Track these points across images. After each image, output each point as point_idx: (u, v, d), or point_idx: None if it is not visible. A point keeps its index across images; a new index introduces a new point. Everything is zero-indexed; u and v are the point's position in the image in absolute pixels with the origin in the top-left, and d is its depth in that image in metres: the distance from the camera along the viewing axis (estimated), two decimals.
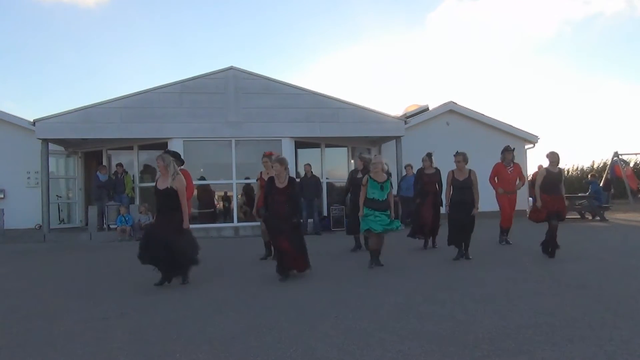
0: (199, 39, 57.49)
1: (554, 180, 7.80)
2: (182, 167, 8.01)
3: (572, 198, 15.96)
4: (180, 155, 8.27)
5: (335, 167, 15.52)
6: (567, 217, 15.11)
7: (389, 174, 7.29)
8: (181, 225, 6.11)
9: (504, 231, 9.56)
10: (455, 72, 59.56)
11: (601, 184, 17.55)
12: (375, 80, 66.36)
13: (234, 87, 13.15)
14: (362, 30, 55.70)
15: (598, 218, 14.93)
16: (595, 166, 23.97)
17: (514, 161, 9.59)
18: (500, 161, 9.61)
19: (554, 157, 7.87)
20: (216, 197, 14.50)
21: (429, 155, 9.35)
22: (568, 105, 54.83)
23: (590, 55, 51.81)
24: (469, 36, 56.93)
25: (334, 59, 60.77)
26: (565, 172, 24.89)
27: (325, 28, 55.83)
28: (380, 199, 6.99)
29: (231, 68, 13.25)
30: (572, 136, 52.42)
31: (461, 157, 7.82)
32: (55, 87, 57.07)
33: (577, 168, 25.97)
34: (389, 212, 7.03)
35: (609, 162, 19.63)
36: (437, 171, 9.17)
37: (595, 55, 51.51)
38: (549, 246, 7.67)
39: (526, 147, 17.75)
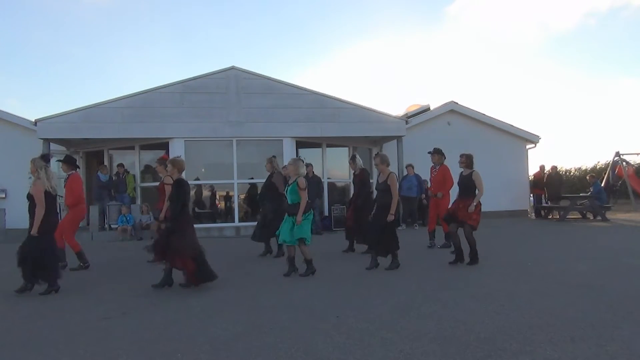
0: (204, 36, 57.60)
1: (463, 183, 7.52)
2: (73, 171, 8.01)
3: (573, 198, 15.96)
4: (71, 159, 8.27)
5: (336, 167, 15.52)
6: (568, 217, 15.35)
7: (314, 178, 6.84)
8: (32, 231, 5.93)
9: (430, 234, 9.40)
10: (459, 71, 59.58)
11: (602, 184, 17.54)
12: (377, 80, 66.38)
13: (235, 87, 13.14)
14: (375, 27, 55.47)
15: (599, 218, 14.90)
16: (599, 167, 23.81)
17: (443, 163, 9.32)
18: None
19: (460, 159, 7.64)
20: (218, 196, 14.52)
21: (353, 157, 9.30)
22: (576, 105, 54.76)
23: (606, 52, 51.31)
24: (483, 31, 56.62)
25: (338, 58, 60.78)
26: (567, 172, 24.83)
27: (334, 26, 55.82)
28: (289, 202, 6.82)
29: (232, 68, 13.24)
30: (577, 136, 52.20)
31: (378, 160, 7.38)
32: (59, 85, 57.24)
33: (579, 168, 25.87)
34: (292, 218, 6.66)
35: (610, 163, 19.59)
36: (361, 172, 9.04)
37: (611, 52, 50.99)
38: (455, 255, 7.40)
39: (527, 147, 17.74)
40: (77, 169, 8.30)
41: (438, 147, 9.52)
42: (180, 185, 6.19)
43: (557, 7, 51.30)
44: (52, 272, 6.03)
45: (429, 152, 9.51)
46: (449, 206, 7.70)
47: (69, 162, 8.13)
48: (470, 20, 55.53)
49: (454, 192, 8.05)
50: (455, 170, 9.23)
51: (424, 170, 13.99)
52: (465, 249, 7.29)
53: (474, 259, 7.25)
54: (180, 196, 6.15)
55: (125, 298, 5.66)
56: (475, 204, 7.24)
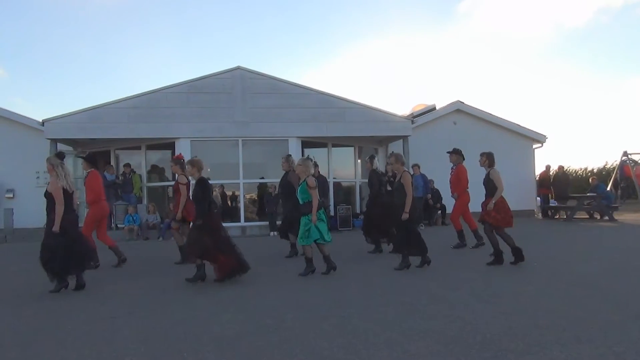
0: (210, 36, 57.77)
1: (485, 182, 7.38)
2: (90, 170, 8.07)
3: (580, 198, 15.85)
4: (92, 158, 8.42)
5: (342, 166, 15.52)
6: (575, 217, 15.24)
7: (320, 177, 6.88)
8: (51, 227, 6.00)
9: (473, 233, 9.25)
10: (466, 70, 59.41)
11: (609, 184, 17.42)
12: (383, 79, 66.31)
13: (240, 87, 13.17)
14: (382, 26, 55.41)
15: (607, 218, 14.80)
16: (608, 167, 23.62)
17: (461, 163, 9.32)
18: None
19: (481, 159, 7.52)
20: (219, 195, 14.56)
21: (371, 157, 9.33)
22: (585, 103, 54.32)
23: (618, 50, 50.73)
24: (493, 28, 56.25)
25: (344, 58, 60.78)
26: (573, 172, 24.69)
27: (340, 26, 55.80)
28: (300, 202, 6.80)
29: (238, 68, 13.27)
30: (586, 135, 51.72)
31: (393, 159, 7.34)
32: (65, 84, 57.63)
33: (586, 169, 25.73)
34: (305, 219, 6.64)
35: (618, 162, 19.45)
36: (369, 173, 9.12)
37: (623, 50, 50.37)
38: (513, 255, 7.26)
39: (534, 146, 17.66)
40: (97, 167, 8.39)
41: (457, 148, 9.52)
42: (204, 184, 6.32)
43: (570, 3, 50.89)
44: (48, 269, 6.07)
45: (448, 152, 9.51)
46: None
47: (89, 160, 8.27)
48: (481, 17, 55.29)
49: (478, 193, 7.94)
50: (470, 171, 9.26)
51: (430, 169, 14.01)
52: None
53: (497, 259, 7.20)
54: (206, 195, 6.28)
55: (131, 297, 5.69)
56: (494, 201, 7.17)
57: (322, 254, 6.78)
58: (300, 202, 6.77)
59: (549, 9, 51.66)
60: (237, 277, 6.37)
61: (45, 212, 6.16)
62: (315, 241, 6.64)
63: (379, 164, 9.57)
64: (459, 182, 9.19)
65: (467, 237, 9.29)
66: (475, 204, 8.37)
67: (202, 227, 6.27)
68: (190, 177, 7.47)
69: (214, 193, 14.06)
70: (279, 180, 10.92)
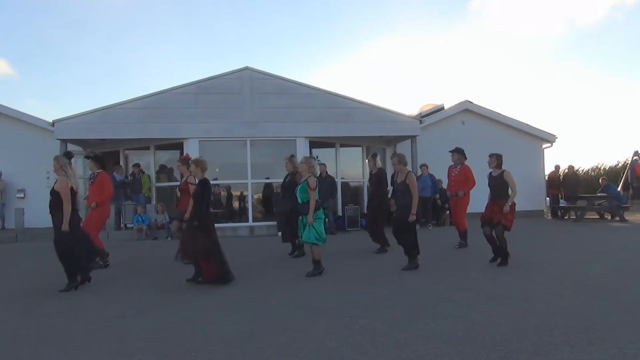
0: (219, 37, 57.96)
1: (494, 184, 7.32)
2: (100, 170, 8.02)
3: (590, 198, 15.71)
4: (100, 158, 8.33)
5: (350, 166, 15.51)
6: (585, 217, 15.10)
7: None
8: (60, 226, 6.04)
9: (460, 234, 9.23)
10: (475, 69, 59.06)
11: (620, 184, 17.23)
12: (391, 79, 66.17)
13: (249, 87, 13.20)
14: (392, 25, 55.06)
15: (617, 218, 14.66)
16: (618, 167, 23.29)
17: (464, 163, 9.28)
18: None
19: (490, 160, 7.44)
20: (225, 196, 14.60)
21: (374, 155, 9.26)
22: (598, 102, 53.71)
23: (631, 48, 49.99)
24: (505, 25, 55.65)
25: (353, 57, 60.69)
26: (583, 172, 24.44)
27: (349, 26, 55.65)
28: (299, 201, 6.77)
29: (246, 68, 13.30)
30: (597, 135, 51.09)
31: (396, 160, 7.32)
32: (76, 84, 58.13)
33: (597, 168, 25.42)
34: (302, 217, 6.68)
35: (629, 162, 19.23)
36: (378, 171, 9.07)
37: (636, 48, 49.73)
38: (494, 254, 7.28)
39: (544, 146, 17.53)
40: (105, 168, 8.38)
41: (460, 147, 9.45)
42: (205, 185, 6.33)
43: (582, 1, 50.30)
44: (68, 266, 6.15)
45: (450, 151, 9.44)
46: (485, 209, 7.53)
47: (98, 160, 8.20)
48: (491, 15, 54.84)
49: (480, 193, 7.87)
50: (478, 171, 9.21)
51: (438, 170, 13.95)
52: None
53: (504, 260, 7.14)
54: (206, 196, 6.28)
55: (140, 297, 5.72)
56: (509, 203, 7.08)
57: (312, 256, 6.73)
58: (299, 201, 6.75)
59: (560, 7, 51.21)
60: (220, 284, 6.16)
61: (47, 211, 6.19)
62: (311, 241, 6.59)
63: (382, 164, 9.46)
64: (466, 181, 9.13)
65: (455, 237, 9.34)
66: (476, 205, 8.31)
67: (197, 228, 6.21)
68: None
69: (222, 194, 14.13)
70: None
